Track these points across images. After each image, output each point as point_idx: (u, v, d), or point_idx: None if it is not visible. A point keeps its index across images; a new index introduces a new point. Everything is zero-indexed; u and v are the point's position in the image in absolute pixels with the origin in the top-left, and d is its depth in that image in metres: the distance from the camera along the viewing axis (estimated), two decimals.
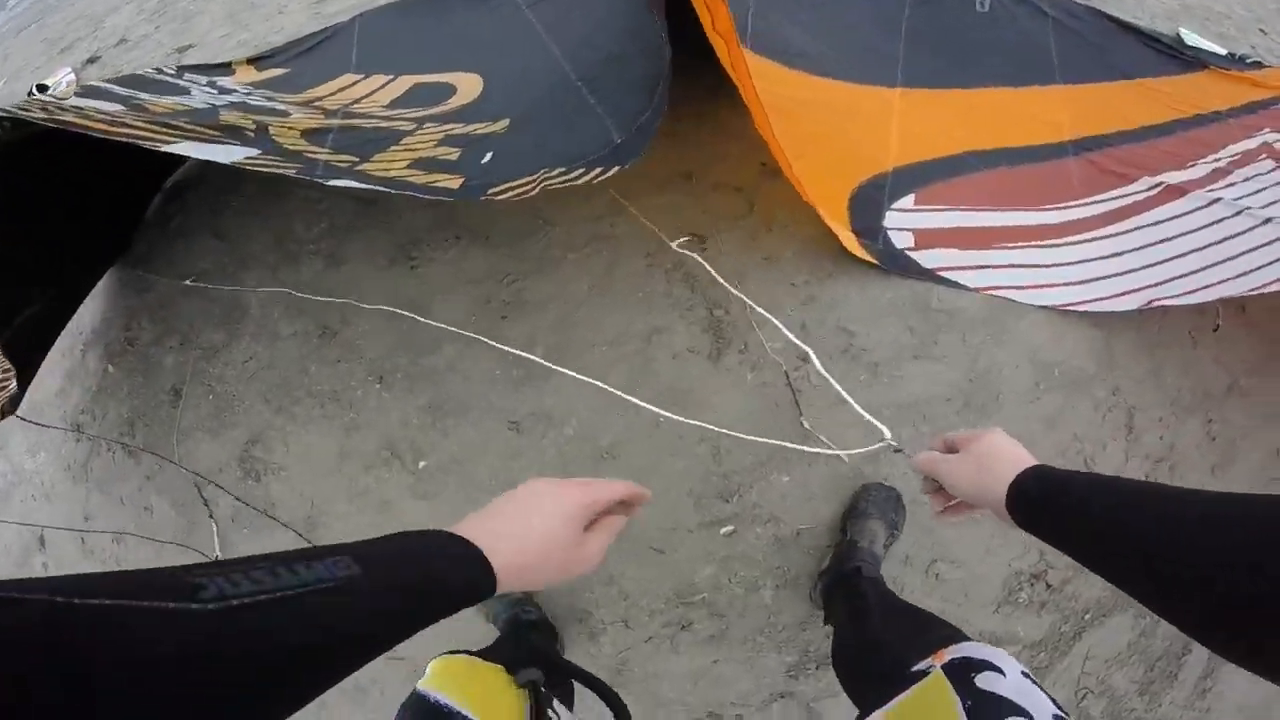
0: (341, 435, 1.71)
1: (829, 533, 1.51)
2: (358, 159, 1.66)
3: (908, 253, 1.66)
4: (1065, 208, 1.68)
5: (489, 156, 1.68)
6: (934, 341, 1.64)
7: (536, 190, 1.53)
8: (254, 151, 1.52)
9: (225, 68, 2.32)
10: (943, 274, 1.64)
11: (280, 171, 1.47)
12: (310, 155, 1.63)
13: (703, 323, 1.72)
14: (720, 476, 1.54)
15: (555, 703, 0.75)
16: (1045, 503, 0.59)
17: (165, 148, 1.41)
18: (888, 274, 1.68)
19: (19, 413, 1.88)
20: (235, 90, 2.08)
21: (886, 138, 1.75)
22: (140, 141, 1.39)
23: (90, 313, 2.11)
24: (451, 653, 0.76)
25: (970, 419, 1.56)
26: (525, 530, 0.56)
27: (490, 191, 1.52)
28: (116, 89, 1.77)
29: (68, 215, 1.94)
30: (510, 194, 1.52)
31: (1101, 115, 1.79)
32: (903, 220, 1.67)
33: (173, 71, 2.11)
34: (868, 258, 1.68)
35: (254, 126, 1.71)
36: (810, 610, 1.47)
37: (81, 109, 1.48)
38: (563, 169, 1.58)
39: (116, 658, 0.29)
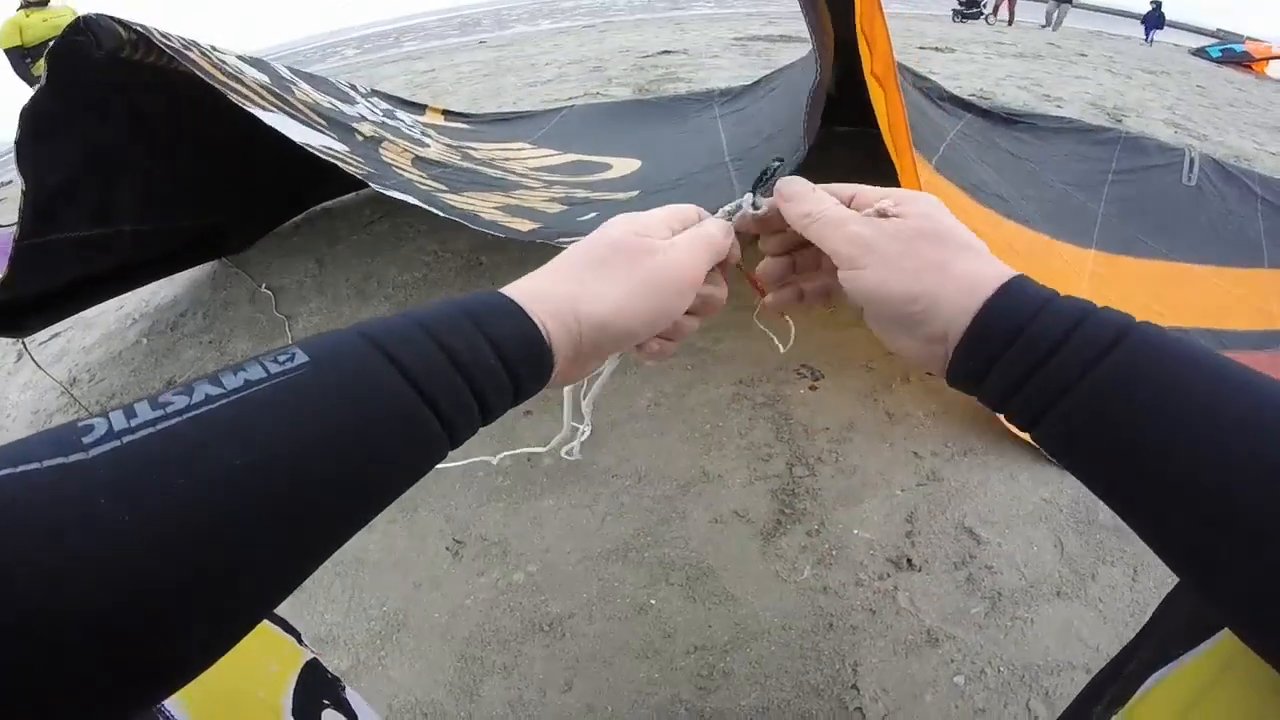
0: None
1: None
2: (446, 189, 1.63)
3: None
4: None
5: (592, 215, 1.57)
6: (1090, 575, 1.18)
7: None
8: (340, 147, 1.53)
9: (419, 107, 2.58)
10: None
11: (342, 166, 1.45)
12: (397, 170, 1.63)
13: (775, 481, 1.35)
14: (694, 712, 1.05)
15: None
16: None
17: (254, 109, 1.43)
18: (1046, 464, 1.38)
19: (27, 347, 1.96)
20: (403, 120, 2.23)
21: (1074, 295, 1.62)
22: (232, 94, 1.42)
23: (168, 291, 2.24)
24: None
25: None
26: (560, 258, 0.45)
27: (561, 240, 1.41)
28: (280, 67, 1.91)
29: (227, 187, 2.11)
30: None
31: None
32: None
33: (359, 88, 2.31)
34: (1025, 435, 1.37)
35: (367, 137, 1.75)
36: None
37: (224, 61, 1.56)
38: None
39: None
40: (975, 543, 1.23)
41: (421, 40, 11.82)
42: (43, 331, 2.01)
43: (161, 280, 2.19)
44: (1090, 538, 1.24)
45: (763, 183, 0.50)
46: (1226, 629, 0.41)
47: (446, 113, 2.69)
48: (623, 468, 1.41)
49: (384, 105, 2.28)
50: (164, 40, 1.39)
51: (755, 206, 0.49)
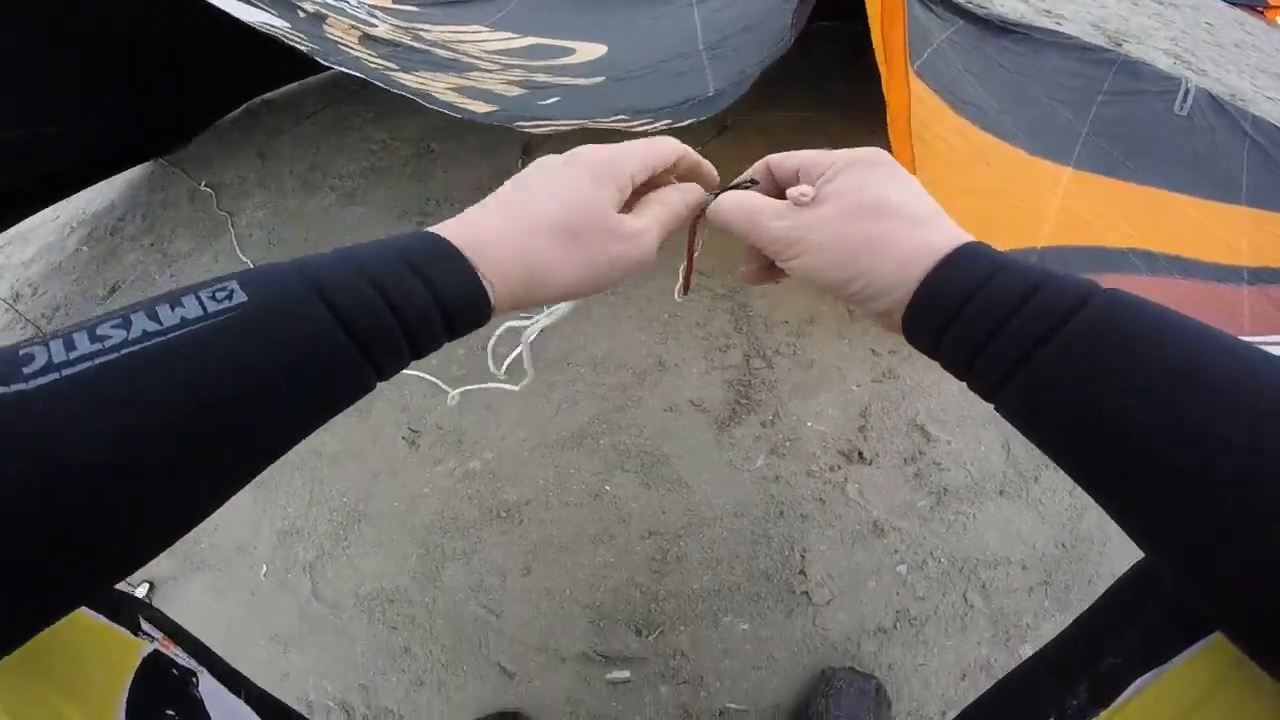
0: None
1: None
2: (396, 68, 1.58)
3: None
4: None
5: (553, 100, 1.54)
6: (1034, 478, 1.26)
7: (573, 129, 1.36)
8: (280, 23, 1.47)
9: None
10: None
11: (285, 41, 1.40)
12: (342, 46, 1.57)
13: (731, 372, 1.39)
14: (649, 595, 1.13)
15: None
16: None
17: None
18: None
19: None
20: (349, 1, 2.13)
21: (1044, 213, 1.66)
22: None
23: (105, 195, 2.16)
24: None
25: (1043, 604, 1.12)
26: (526, 206, 0.43)
27: (520, 124, 1.38)
28: None
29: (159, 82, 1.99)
30: (545, 129, 1.37)
31: None
32: None
33: None
34: None
35: (309, 14, 1.68)
36: None
37: None
38: (625, 117, 1.41)
39: None
40: (926, 440, 1.29)
41: None
42: None
43: (97, 185, 2.10)
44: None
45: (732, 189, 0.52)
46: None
47: None
48: (578, 355, 1.42)
49: None
50: None
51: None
